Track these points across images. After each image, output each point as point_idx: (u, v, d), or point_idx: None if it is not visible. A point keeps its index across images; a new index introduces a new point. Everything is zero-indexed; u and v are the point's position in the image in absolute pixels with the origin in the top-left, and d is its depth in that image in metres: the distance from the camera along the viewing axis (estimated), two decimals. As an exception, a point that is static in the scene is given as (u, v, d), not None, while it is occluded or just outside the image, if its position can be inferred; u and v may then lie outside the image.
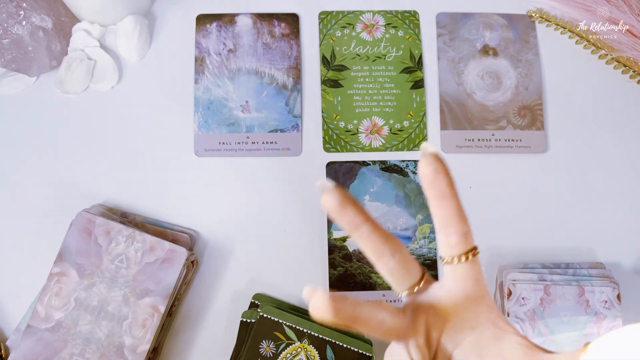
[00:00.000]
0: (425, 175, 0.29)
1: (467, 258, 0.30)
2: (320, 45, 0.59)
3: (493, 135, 0.57)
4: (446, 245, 0.30)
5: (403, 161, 0.57)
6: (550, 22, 0.60)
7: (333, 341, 0.48)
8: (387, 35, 0.60)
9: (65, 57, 0.57)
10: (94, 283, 0.48)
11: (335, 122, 0.57)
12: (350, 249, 0.54)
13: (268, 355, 0.47)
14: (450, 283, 0.31)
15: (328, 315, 0.26)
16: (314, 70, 0.59)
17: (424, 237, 0.55)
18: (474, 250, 0.30)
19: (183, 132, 0.56)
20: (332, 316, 0.26)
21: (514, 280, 0.51)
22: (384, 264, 0.30)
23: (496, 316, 0.31)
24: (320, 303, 0.26)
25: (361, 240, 0.30)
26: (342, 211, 0.29)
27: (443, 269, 0.32)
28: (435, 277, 0.54)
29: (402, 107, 0.58)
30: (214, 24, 0.59)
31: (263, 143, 0.56)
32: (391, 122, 0.58)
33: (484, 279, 0.31)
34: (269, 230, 0.55)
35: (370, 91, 0.58)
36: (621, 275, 0.54)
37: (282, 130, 0.57)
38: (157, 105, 0.57)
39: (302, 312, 0.52)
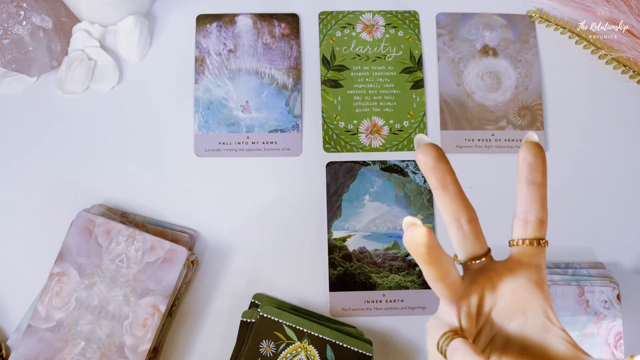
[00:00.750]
0: (523, 159, 0.31)
1: (537, 243, 0.31)
2: (320, 45, 0.59)
3: (493, 135, 0.57)
4: (522, 226, 0.32)
5: (403, 161, 0.57)
6: (550, 22, 0.60)
7: (333, 341, 0.48)
8: (387, 36, 0.60)
9: (66, 57, 0.57)
10: (94, 283, 0.48)
11: (335, 122, 0.57)
12: (350, 249, 0.54)
13: (268, 355, 0.48)
14: (514, 264, 0.32)
15: (422, 249, 0.28)
16: (314, 70, 0.59)
17: (424, 237, 0.55)
18: (544, 240, 0.32)
19: (183, 132, 0.57)
20: (425, 251, 0.28)
21: (513, 280, 0.51)
22: (459, 227, 0.31)
23: (549, 307, 0.32)
24: (419, 238, 0.28)
25: (445, 199, 0.31)
26: (436, 166, 0.30)
27: (511, 251, 0.33)
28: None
29: (402, 107, 0.58)
30: (214, 24, 0.59)
31: (263, 143, 0.56)
32: (391, 122, 0.58)
33: (545, 271, 0.32)
34: (269, 230, 0.55)
35: (370, 91, 0.58)
36: (621, 275, 0.54)
37: (282, 130, 0.57)
38: (157, 105, 0.57)
39: (302, 312, 0.52)
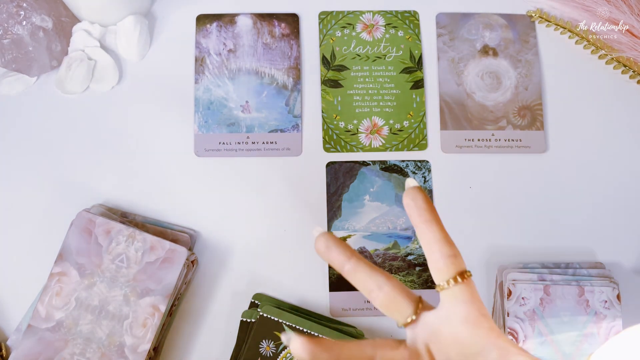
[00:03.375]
0: (407, 205, 0.32)
1: (458, 280, 0.31)
2: (320, 45, 0.59)
3: (493, 135, 0.57)
4: (436, 271, 0.31)
5: (403, 161, 0.57)
6: (550, 22, 0.60)
7: (333, 341, 0.48)
8: (387, 36, 0.60)
9: (66, 57, 0.57)
10: (94, 283, 0.48)
11: (335, 122, 0.57)
12: (350, 249, 0.54)
13: (268, 355, 0.48)
14: (447, 308, 0.31)
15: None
16: (314, 70, 0.59)
17: (424, 237, 0.55)
18: (465, 272, 0.31)
19: (183, 132, 0.57)
20: None
21: (513, 280, 0.51)
22: (374, 298, 0.31)
23: (496, 336, 0.31)
24: (298, 349, 0.28)
25: (349, 277, 0.32)
26: (328, 252, 0.32)
27: (440, 297, 0.32)
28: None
29: (402, 107, 0.58)
30: (214, 24, 0.59)
31: (263, 143, 0.56)
32: (391, 122, 0.58)
33: (481, 300, 0.32)
34: (269, 230, 0.55)
35: (370, 91, 0.58)
36: (621, 275, 0.54)
37: (282, 130, 0.57)
38: (157, 105, 0.57)
39: (302, 312, 0.52)
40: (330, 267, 0.54)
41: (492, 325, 0.31)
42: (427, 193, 0.56)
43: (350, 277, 0.32)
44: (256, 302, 0.52)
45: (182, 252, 0.49)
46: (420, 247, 0.55)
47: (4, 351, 0.49)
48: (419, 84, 0.59)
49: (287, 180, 0.56)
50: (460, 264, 0.32)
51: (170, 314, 0.51)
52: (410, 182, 0.33)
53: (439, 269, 0.31)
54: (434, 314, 0.32)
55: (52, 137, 0.56)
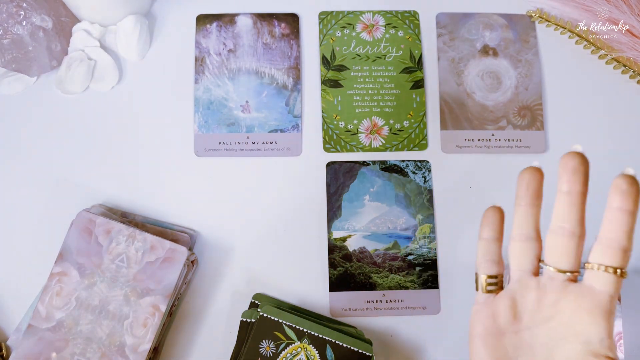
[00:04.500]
0: (616, 185, 0.33)
1: (614, 272, 0.31)
2: (320, 45, 0.59)
3: (493, 135, 0.57)
4: (599, 252, 0.32)
5: (403, 161, 0.57)
6: (550, 22, 0.60)
7: (333, 341, 0.48)
8: (387, 36, 0.60)
9: (66, 57, 0.57)
10: (94, 282, 0.48)
11: (335, 122, 0.57)
12: (350, 249, 0.54)
13: (268, 355, 0.48)
14: (585, 286, 0.32)
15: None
16: (314, 70, 0.59)
17: (424, 237, 0.55)
18: (623, 270, 0.31)
19: (183, 132, 0.57)
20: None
21: (513, 280, 0.51)
22: (571, 236, 0.34)
23: (599, 341, 0.31)
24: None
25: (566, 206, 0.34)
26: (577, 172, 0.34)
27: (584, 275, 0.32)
28: (434, 278, 0.54)
29: (402, 107, 0.58)
30: (214, 24, 0.59)
31: (263, 143, 0.56)
32: (391, 122, 0.58)
33: (615, 307, 0.32)
34: (269, 230, 0.55)
35: (370, 91, 0.58)
36: (621, 275, 0.54)
37: (282, 130, 0.57)
38: (157, 105, 0.57)
39: (302, 312, 0.52)
40: (330, 267, 0.54)
41: (612, 324, 0.31)
42: (427, 193, 0.56)
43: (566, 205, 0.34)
44: (256, 302, 0.52)
45: (182, 251, 0.49)
46: (420, 247, 0.55)
47: (4, 351, 0.49)
48: (419, 84, 0.59)
49: (287, 180, 0.56)
50: (625, 262, 0.31)
51: (170, 314, 0.51)
52: (629, 170, 0.33)
53: (604, 252, 0.31)
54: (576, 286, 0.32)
55: (52, 137, 0.56)
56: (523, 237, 0.33)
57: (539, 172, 0.34)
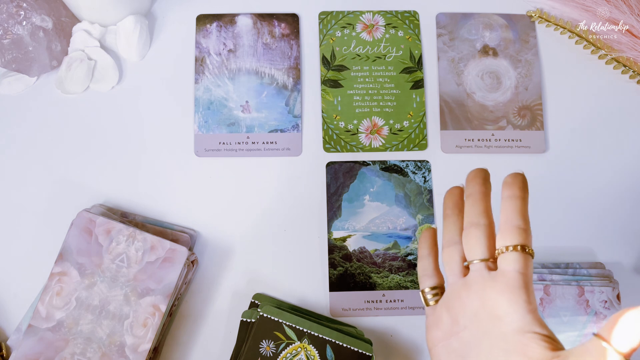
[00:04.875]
0: (505, 182, 0.36)
1: (518, 249, 0.33)
2: (320, 45, 0.59)
3: (493, 135, 0.57)
4: (500, 237, 0.34)
5: (403, 161, 0.57)
6: (550, 22, 0.60)
7: (333, 341, 0.48)
8: (387, 36, 0.60)
9: (66, 57, 0.57)
10: (95, 282, 0.49)
11: (335, 122, 0.57)
12: (350, 249, 0.54)
13: (268, 355, 0.48)
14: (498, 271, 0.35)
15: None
16: (314, 70, 0.59)
17: (424, 237, 0.55)
18: (527, 246, 0.33)
19: (183, 132, 0.57)
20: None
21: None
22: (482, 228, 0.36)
23: (529, 312, 0.33)
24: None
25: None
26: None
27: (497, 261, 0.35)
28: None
29: (402, 107, 0.58)
30: (214, 24, 0.59)
31: (263, 143, 0.56)
32: (391, 122, 0.58)
33: (531, 279, 0.34)
34: (269, 230, 0.55)
35: (370, 91, 0.58)
36: (621, 275, 0.54)
37: (282, 130, 0.57)
38: (157, 106, 0.57)
39: (302, 312, 0.52)
40: (330, 267, 0.54)
41: (532, 300, 0.32)
42: (427, 193, 0.56)
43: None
44: (256, 302, 0.52)
45: (182, 251, 0.49)
46: (420, 247, 0.55)
47: (4, 351, 0.49)
48: (419, 84, 0.59)
49: (287, 180, 0.56)
50: (527, 239, 0.33)
51: (171, 314, 0.51)
52: (518, 171, 0.36)
53: (503, 235, 0.33)
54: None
55: (52, 137, 0.56)
56: (449, 243, 0.36)
57: (459, 190, 0.38)
